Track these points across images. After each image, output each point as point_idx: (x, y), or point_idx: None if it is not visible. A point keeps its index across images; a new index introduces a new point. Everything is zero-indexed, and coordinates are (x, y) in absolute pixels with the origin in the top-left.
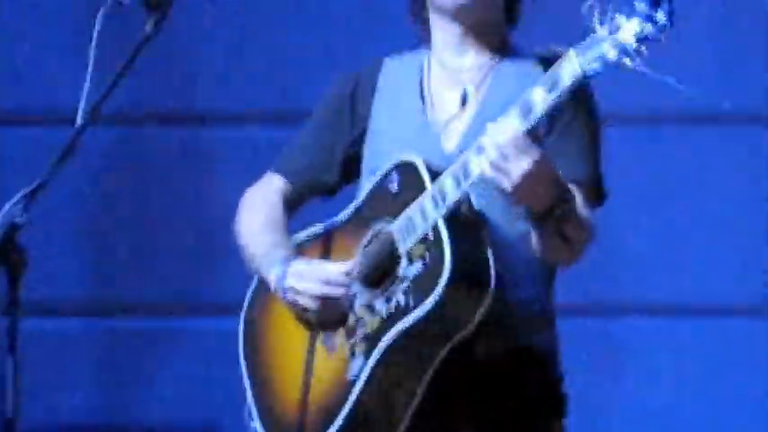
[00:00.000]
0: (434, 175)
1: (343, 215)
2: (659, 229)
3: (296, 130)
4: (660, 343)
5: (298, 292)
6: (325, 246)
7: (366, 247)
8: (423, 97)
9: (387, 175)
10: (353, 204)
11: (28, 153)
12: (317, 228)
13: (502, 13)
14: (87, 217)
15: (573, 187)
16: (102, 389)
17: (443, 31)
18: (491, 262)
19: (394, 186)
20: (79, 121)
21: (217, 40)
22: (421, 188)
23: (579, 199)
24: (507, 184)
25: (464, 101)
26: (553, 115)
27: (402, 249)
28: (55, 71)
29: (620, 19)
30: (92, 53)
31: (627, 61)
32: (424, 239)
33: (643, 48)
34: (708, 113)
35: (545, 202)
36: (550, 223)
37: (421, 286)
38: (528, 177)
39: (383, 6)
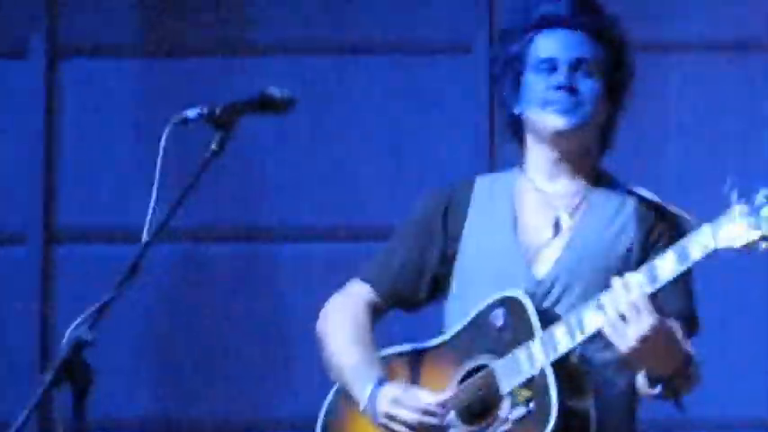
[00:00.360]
0: (542, 315)
1: (437, 339)
2: None
3: (358, 245)
4: None
5: (392, 418)
6: (414, 368)
7: (464, 379)
8: (514, 220)
9: (490, 308)
10: (450, 330)
11: (95, 270)
12: (404, 347)
13: (597, 139)
14: (154, 334)
15: (674, 322)
16: None
17: (538, 155)
18: (592, 413)
19: (498, 321)
20: (145, 237)
21: (280, 155)
22: (529, 331)
23: (680, 333)
24: (623, 346)
25: (557, 228)
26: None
27: (505, 390)
28: (122, 188)
29: (761, 197)
30: (158, 169)
31: (764, 245)
32: (528, 383)
33: None
34: None
35: (663, 368)
36: (668, 386)
37: (524, 431)
38: (644, 342)
39: (450, 120)
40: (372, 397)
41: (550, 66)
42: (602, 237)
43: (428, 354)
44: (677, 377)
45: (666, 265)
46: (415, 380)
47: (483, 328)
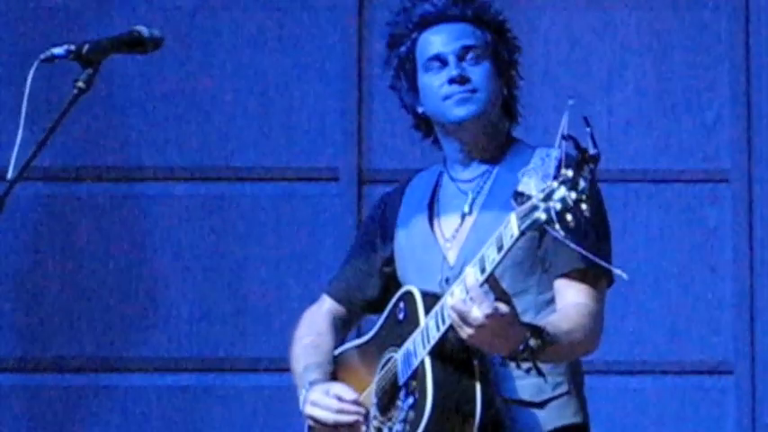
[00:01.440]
0: (432, 303)
1: (368, 335)
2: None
3: (221, 186)
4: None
5: (314, 419)
6: (348, 364)
7: (379, 373)
8: (431, 212)
9: (396, 303)
10: (376, 326)
11: None
12: (350, 343)
13: (500, 116)
14: (18, 272)
15: (567, 282)
16: None
17: (449, 146)
18: (478, 392)
19: (400, 315)
20: (10, 176)
21: (148, 95)
22: (416, 322)
23: (574, 292)
24: (463, 334)
25: (464, 213)
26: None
27: (401, 381)
28: None
29: (552, 184)
30: (24, 108)
31: (554, 226)
32: (415, 373)
33: (568, 214)
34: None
35: (504, 350)
36: (521, 361)
37: (413, 419)
38: (480, 329)
39: (315, 66)
40: (303, 401)
41: (439, 62)
42: (505, 211)
43: (359, 349)
44: (520, 353)
45: (490, 254)
46: (345, 376)
47: (392, 323)
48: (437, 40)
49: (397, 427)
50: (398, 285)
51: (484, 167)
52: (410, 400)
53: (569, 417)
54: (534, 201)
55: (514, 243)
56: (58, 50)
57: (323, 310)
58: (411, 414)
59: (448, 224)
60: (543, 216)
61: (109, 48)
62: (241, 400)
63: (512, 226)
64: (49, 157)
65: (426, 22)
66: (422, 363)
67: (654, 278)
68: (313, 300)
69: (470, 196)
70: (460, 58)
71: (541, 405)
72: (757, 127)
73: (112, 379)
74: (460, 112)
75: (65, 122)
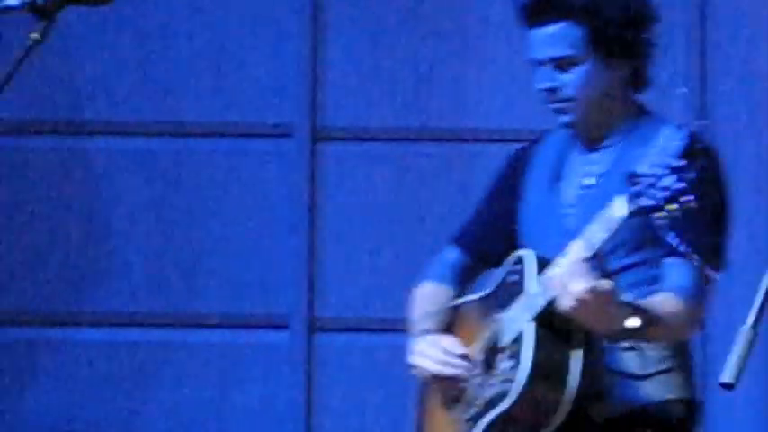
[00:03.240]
0: (543, 270)
1: (486, 290)
2: None
3: (174, 142)
4: None
5: (418, 367)
6: (464, 317)
7: (487, 331)
8: (556, 178)
9: (510, 265)
10: (493, 282)
11: None
12: (475, 295)
13: (620, 94)
14: None
15: (674, 262)
16: None
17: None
18: (576, 362)
19: (513, 277)
20: None
21: (104, 49)
22: (525, 287)
23: (679, 274)
24: (564, 305)
25: (586, 183)
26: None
27: (504, 343)
28: None
29: (662, 171)
30: None
31: (659, 213)
32: (517, 338)
33: (673, 203)
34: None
35: (602, 327)
36: (622, 339)
37: (510, 382)
38: (579, 303)
39: (269, 20)
40: (410, 350)
41: (538, 64)
42: (624, 187)
43: (476, 304)
44: (620, 333)
45: (596, 232)
46: (459, 329)
47: (505, 283)
48: (534, 42)
49: (496, 388)
50: (519, 246)
51: (609, 141)
52: (507, 365)
53: (674, 391)
54: (642, 186)
55: (620, 225)
56: (12, 1)
57: (448, 259)
58: (509, 377)
59: (570, 192)
60: (650, 202)
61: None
62: (192, 355)
63: (619, 208)
64: (1, 109)
65: (527, 20)
66: (524, 328)
67: None
68: (261, 259)
69: (594, 168)
70: (553, 65)
71: (645, 377)
72: None
73: (64, 333)
74: (557, 119)
75: (18, 75)
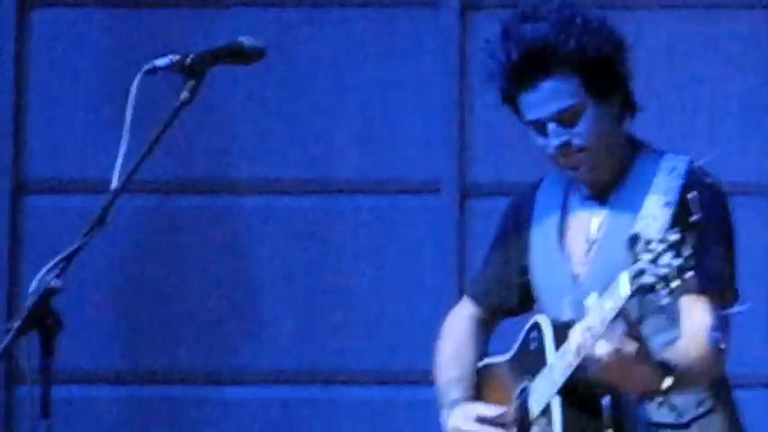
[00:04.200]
0: (563, 335)
1: (509, 354)
2: None
3: (323, 200)
4: None
5: None
6: (490, 379)
7: (516, 401)
8: (561, 227)
9: (529, 331)
10: (515, 346)
11: (64, 221)
12: (500, 357)
13: (620, 132)
14: (120, 284)
15: (691, 300)
16: None
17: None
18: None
19: (532, 345)
20: (113, 186)
21: (250, 108)
22: (545, 358)
23: (698, 311)
24: (591, 370)
25: (590, 235)
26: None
27: (532, 416)
28: (90, 138)
29: (658, 248)
30: (127, 119)
31: (660, 291)
32: (545, 411)
33: (674, 281)
34: None
35: (631, 388)
36: (655, 396)
37: None
38: (606, 366)
39: (416, 77)
40: (445, 422)
41: (539, 126)
42: (630, 227)
43: (501, 368)
44: (654, 393)
45: (606, 305)
46: (488, 392)
47: (526, 350)
48: (531, 104)
49: None
50: (534, 296)
51: (608, 187)
52: None
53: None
54: (642, 264)
55: (626, 301)
56: (161, 62)
57: (464, 314)
58: None
59: (577, 243)
60: (650, 280)
61: (212, 59)
62: (343, 413)
63: (622, 287)
64: (151, 169)
65: (517, 88)
66: (550, 403)
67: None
68: (412, 316)
69: (596, 220)
70: (558, 120)
71: (687, 426)
72: None
73: (214, 392)
74: (573, 174)
75: (168, 134)
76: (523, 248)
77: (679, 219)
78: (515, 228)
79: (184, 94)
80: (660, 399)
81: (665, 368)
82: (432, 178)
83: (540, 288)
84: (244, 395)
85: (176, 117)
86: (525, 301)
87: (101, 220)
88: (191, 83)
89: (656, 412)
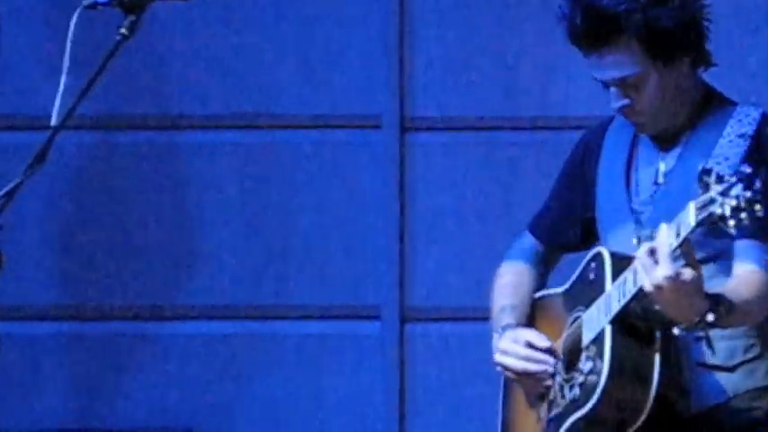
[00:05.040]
0: (622, 267)
1: (566, 284)
2: None
3: (264, 134)
4: None
5: (503, 366)
6: (545, 310)
7: (568, 330)
8: (628, 168)
9: (588, 262)
10: (573, 277)
11: (4, 158)
12: (557, 289)
13: (689, 85)
14: (61, 221)
15: (746, 244)
16: (75, 393)
17: None
18: (656, 364)
19: (591, 275)
20: (54, 123)
21: (191, 43)
22: (603, 287)
23: (753, 255)
24: (646, 287)
25: (657, 178)
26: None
27: (583, 344)
28: (29, 74)
29: (731, 179)
30: (67, 55)
31: (728, 222)
32: (597, 338)
33: (742, 213)
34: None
35: (680, 317)
36: (699, 329)
37: (588, 385)
38: (659, 289)
39: (357, 13)
40: (495, 346)
41: (604, 85)
42: (695, 182)
43: (557, 299)
44: (700, 323)
45: (669, 237)
46: (542, 323)
47: (584, 281)
48: (594, 66)
49: (576, 390)
50: (597, 232)
51: (677, 135)
52: (589, 366)
53: (760, 379)
54: (712, 194)
55: (692, 232)
56: None
57: (525, 247)
58: (588, 380)
59: (643, 187)
60: (718, 211)
61: None
62: (284, 347)
63: (690, 216)
64: (92, 105)
65: (580, 47)
66: (602, 330)
67: None
68: (353, 250)
69: (663, 164)
70: (620, 85)
71: (732, 369)
72: None
73: (154, 327)
74: (637, 130)
75: (109, 70)
76: (590, 183)
77: (751, 156)
78: (583, 163)
79: (123, 30)
80: (701, 333)
81: (716, 302)
82: (372, 113)
83: (604, 224)
84: (184, 330)
85: (116, 53)
86: (587, 237)
87: (41, 157)
88: (130, 18)
89: (706, 351)
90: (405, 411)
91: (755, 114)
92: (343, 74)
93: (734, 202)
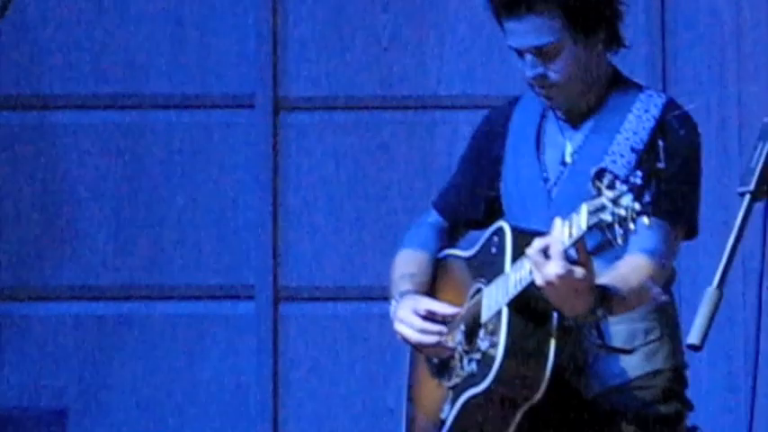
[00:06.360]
0: (523, 244)
1: (472, 250)
2: None
3: (139, 115)
4: None
5: (399, 334)
6: (449, 272)
7: (469, 301)
8: (537, 145)
9: (491, 235)
10: (476, 245)
11: None
12: (462, 252)
13: (599, 66)
14: None
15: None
16: None
17: None
18: (546, 348)
19: (493, 249)
20: None
21: (60, 22)
22: (503, 266)
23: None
24: (537, 283)
25: (564, 157)
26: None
27: (482, 319)
28: None
29: (621, 188)
30: None
31: (615, 230)
32: (495, 317)
33: (630, 223)
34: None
35: (569, 312)
36: (588, 321)
37: (485, 362)
38: (551, 286)
39: None
40: (393, 313)
41: (520, 53)
42: (600, 159)
43: (462, 263)
44: (585, 319)
45: (564, 232)
46: (444, 284)
47: (486, 253)
48: (512, 32)
49: (473, 365)
50: (501, 210)
51: (584, 115)
52: (486, 343)
53: (659, 362)
54: (604, 200)
55: (583, 234)
56: None
57: (428, 221)
58: (485, 358)
59: (551, 165)
60: (608, 218)
61: None
62: (158, 327)
63: (582, 219)
64: None
65: (500, 13)
66: (501, 309)
67: None
68: (226, 231)
69: (570, 145)
70: (536, 53)
71: (632, 351)
72: None
73: (27, 308)
74: (547, 103)
75: None
76: (495, 161)
77: (644, 162)
78: (488, 140)
79: None
80: (592, 322)
81: (606, 297)
82: (245, 93)
83: (512, 200)
84: (58, 311)
85: None
86: (492, 214)
87: None
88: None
89: (613, 330)
90: (278, 391)
91: (661, 99)
92: (215, 53)
93: (623, 212)
